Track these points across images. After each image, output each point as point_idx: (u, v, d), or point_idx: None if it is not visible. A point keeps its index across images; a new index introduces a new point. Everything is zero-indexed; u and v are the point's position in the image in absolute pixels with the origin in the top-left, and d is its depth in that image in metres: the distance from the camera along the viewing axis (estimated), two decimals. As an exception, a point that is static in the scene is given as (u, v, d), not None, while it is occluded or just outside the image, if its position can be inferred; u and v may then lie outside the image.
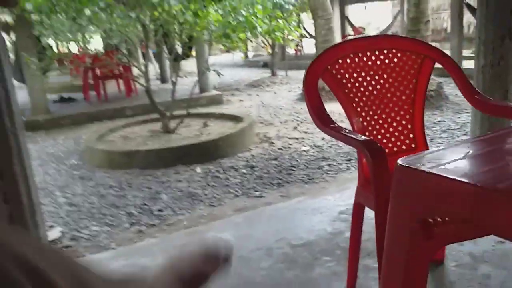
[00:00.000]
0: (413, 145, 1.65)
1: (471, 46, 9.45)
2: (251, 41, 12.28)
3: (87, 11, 3.43)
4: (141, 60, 7.80)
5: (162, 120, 4.31)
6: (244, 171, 3.42)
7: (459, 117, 4.58)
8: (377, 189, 1.16)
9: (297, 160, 3.59)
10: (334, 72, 1.55)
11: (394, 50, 1.63)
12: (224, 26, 4.08)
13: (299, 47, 13.32)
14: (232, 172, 3.40)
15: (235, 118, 4.65)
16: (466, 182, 0.70)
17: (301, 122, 5.01)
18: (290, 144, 4.14)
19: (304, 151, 3.87)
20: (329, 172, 3.26)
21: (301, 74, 10.15)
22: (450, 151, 0.94)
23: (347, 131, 1.32)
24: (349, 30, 12.96)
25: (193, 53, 7.35)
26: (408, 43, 1.66)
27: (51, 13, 3.56)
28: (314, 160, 3.56)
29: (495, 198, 0.66)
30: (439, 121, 4.43)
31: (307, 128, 4.68)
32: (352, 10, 15.11)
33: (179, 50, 5.25)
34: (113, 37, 4.52)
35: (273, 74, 9.54)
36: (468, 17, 8.79)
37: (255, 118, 5.28)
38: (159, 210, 2.76)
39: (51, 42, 10.82)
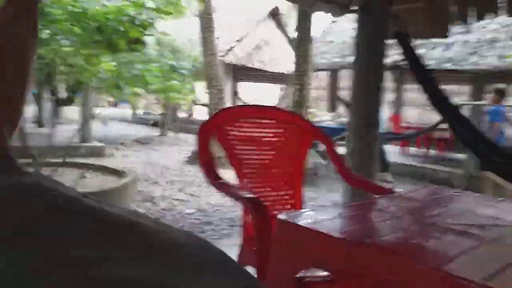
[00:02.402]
0: (292, 210, 1.76)
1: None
2: (142, 98, 12.16)
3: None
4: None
5: (33, 166, 3.85)
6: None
7: (331, 195, 5.04)
8: (259, 244, 1.20)
9: (180, 223, 3.49)
10: (226, 132, 1.62)
11: (279, 121, 1.79)
12: (117, 77, 4.00)
13: (191, 111, 13.59)
14: (106, 230, 3.14)
15: (117, 173, 4.38)
16: (339, 237, 0.78)
17: (188, 185, 4.96)
18: (174, 205, 4.03)
19: (188, 214, 3.79)
20: (212, 237, 3.22)
21: (191, 137, 10.25)
22: (325, 211, 1.04)
23: (236, 187, 1.37)
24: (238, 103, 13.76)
25: (78, 100, 6.94)
26: (291, 117, 1.84)
27: None
28: (198, 224, 3.51)
29: (364, 251, 0.74)
30: (313, 198, 4.81)
31: (193, 191, 4.64)
32: (243, 87, 16.22)
33: (63, 93, 4.93)
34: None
35: (163, 133, 9.46)
36: (341, 108, 10.14)
37: (139, 176, 5.07)
38: None
39: None
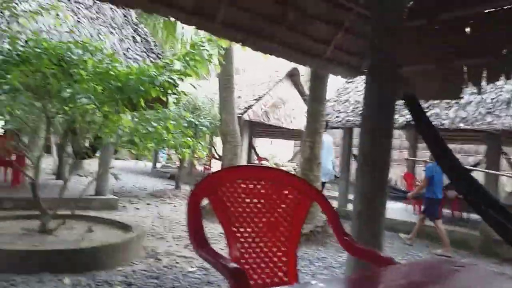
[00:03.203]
0: (285, 279, 1.70)
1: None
2: (166, 153, 12.41)
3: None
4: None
5: (41, 218, 3.91)
6: (118, 287, 3.12)
7: (340, 256, 4.86)
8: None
9: (180, 282, 3.40)
10: (219, 194, 1.62)
11: (276, 183, 1.78)
12: (132, 133, 4.12)
13: (207, 166, 13.71)
14: None
15: (125, 227, 4.39)
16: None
17: (194, 241, 4.89)
18: (177, 262, 3.95)
19: (190, 272, 3.70)
20: (211, 298, 3.12)
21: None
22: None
23: (220, 255, 1.34)
24: (255, 159, 13.85)
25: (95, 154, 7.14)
26: (290, 179, 1.83)
27: None
28: (198, 284, 3.41)
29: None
30: (322, 257, 4.65)
31: (199, 248, 4.56)
32: (260, 143, 16.42)
33: (83, 147, 5.08)
34: (11, 122, 4.26)
35: (177, 187, 9.51)
36: (355, 165, 10.05)
37: (147, 230, 5.04)
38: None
39: None
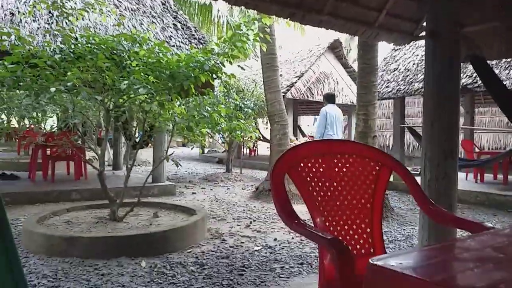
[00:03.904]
0: (371, 250, 1.67)
1: (410, 164, 10.28)
2: (210, 137, 12.62)
3: (52, 89, 3.41)
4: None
5: (110, 207, 4.11)
6: (192, 268, 3.23)
7: (404, 229, 4.75)
8: (343, 290, 1.14)
9: (249, 260, 3.47)
10: (299, 169, 1.61)
11: (354, 156, 1.73)
12: (187, 119, 4.19)
13: (254, 148, 13.81)
14: (179, 269, 3.20)
15: (187, 211, 4.52)
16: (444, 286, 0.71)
17: (254, 220, 4.97)
18: (242, 242, 4.03)
19: (256, 250, 3.76)
20: (281, 276, 3.15)
21: (255, 172, 10.36)
22: (423, 254, 0.96)
23: (313, 228, 1.33)
24: (300, 137, 13.75)
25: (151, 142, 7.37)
26: (367, 150, 1.78)
27: (13, 88, 3.51)
28: (266, 262, 3.46)
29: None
30: (385, 232, 4.56)
31: (260, 227, 4.63)
32: (304, 121, 16.23)
33: (139, 137, 5.26)
34: (73, 118, 4.47)
35: (228, 170, 9.67)
36: (408, 137, 9.72)
37: (207, 213, 5.17)
38: (95, 306, 2.48)
39: (2, 116, 10.52)
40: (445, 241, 2.63)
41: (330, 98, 7.24)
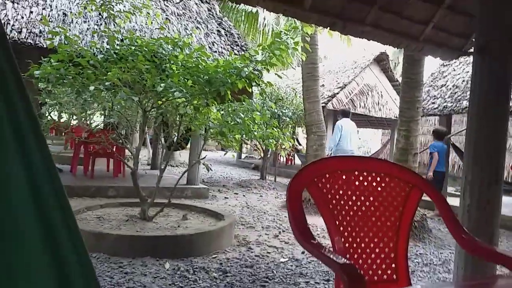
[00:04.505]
0: (394, 276, 1.56)
1: (455, 184, 9.75)
2: (246, 143, 12.68)
3: (91, 88, 3.53)
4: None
5: (141, 206, 4.18)
6: (215, 275, 3.20)
7: (441, 253, 4.48)
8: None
9: (273, 272, 3.39)
10: (320, 185, 1.53)
11: (382, 174, 1.63)
12: (221, 125, 4.20)
13: (290, 157, 13.69)
14: (202, 274, 3.18)
15: (216, 215, 4.52)
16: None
17: (283, 231, 4.88)
18: (268, 252, 3.95)
19: (282, 262, 3.68)
20: (305, 291, 3.05)
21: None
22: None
23: (327, 250, 1.25)
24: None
25: (187, 145, 7.47)
26: (397, 170, 1.67)
27: (57, 84, 3.66)
28: (291, 275, 3.36)
29: None
30: (421, 254, 4.32)
31: (288, 238, 4.53)
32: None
33: (175, 139, 5.34)
34: (112, 116, 4.61)
35: (262, 177, 9.63)
36: (454, 156, 9.23)
37: (237, 219, 5.14)
38: (114, 305, 2.50)
39: (54, 112, 11.09)
40: (483, 274, 2.43)
41: (345, 113, 7.66)
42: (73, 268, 0.84)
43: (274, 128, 4.93)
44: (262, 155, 10.03)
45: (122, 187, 6.15)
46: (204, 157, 4.42)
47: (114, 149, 6.61)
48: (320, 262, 3.71)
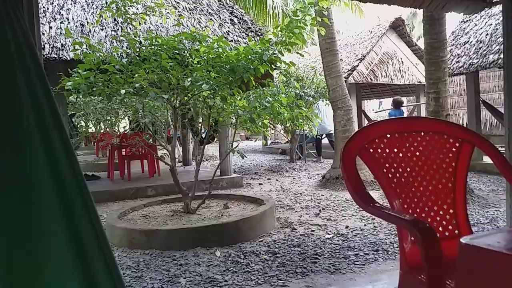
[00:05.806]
0: (456, 231, 1.56)
1: (491, 141, 9.45)
2: (273, 128, 12.67)
3: (122, 91, 3.61)
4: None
5: (183, 200, 4.28)
6: (265, 257, 3.26)
7: (487, 211, 4.41)
8: (430, 274, 1.07)
9: (321, 248, 3.43)
10: (371, 151, 1.54)
11: (431, 133, 1.63)
12: (250, 111, 4.23)
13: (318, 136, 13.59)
14: (253, 258, 3.25)
15: (256, 201, 4.58)
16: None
17: (323, 209, 4.90)
18: (312, 230, 4.00)
19: (328, 238, 3.71)
20: (356, 263, 3.08)
21: (318, 163, 10.23)
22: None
23: (391, 210, 1.26)
24: (366, 122, 13.30)
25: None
26: (445, 126, 1.66)
27: (88, 93, 3.77)
28: (339, 249, 3.40)
29: None
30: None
31: (329, 215, 4.56)
32: (367, 105, 15.67)
33: (205, 133, 5.42)
34: (143, 118, 4.71)
35: (292, 160, 9.64)
36: (484, 114, 8.97)
37: (275, 202, 5.20)
38: (176, 294, 2.60)
39: (81, 122, 11.40)
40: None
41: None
42: (97, 265, 0.95)
43: (302, 108, 4.93)
44: (290, 138, 10.02)
45: (160, 185, 6.30)
46: (237, 145, 4.46)
47: (146, 150, 6.76)
48: (366, 234, 3.74)
